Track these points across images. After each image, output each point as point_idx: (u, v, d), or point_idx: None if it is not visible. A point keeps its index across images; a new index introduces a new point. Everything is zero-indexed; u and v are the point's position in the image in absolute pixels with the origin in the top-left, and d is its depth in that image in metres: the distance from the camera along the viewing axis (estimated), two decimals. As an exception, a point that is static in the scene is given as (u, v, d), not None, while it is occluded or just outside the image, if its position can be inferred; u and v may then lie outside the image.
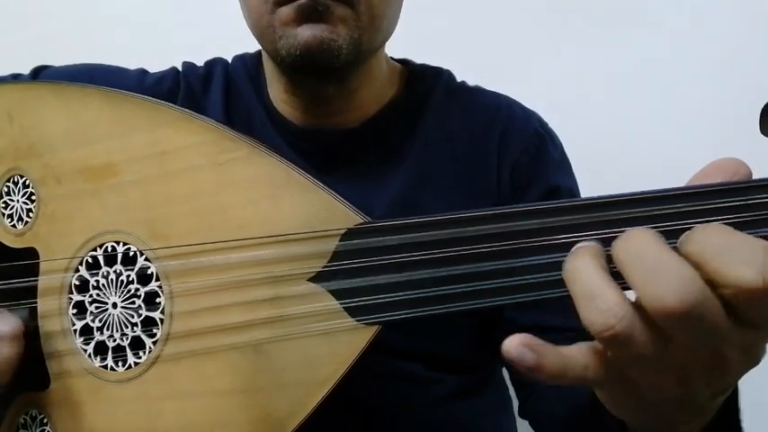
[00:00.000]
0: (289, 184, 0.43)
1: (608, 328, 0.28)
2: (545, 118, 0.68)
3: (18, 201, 0.49)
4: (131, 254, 0.45)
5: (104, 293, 0.46)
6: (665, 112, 0.92)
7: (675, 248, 0.29)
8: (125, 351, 0.45)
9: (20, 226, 0.49)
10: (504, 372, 0.69)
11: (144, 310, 0.45)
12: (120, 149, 0.47)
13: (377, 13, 0.55)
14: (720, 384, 0.32)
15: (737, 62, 0.90)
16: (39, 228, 0.48)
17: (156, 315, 0.44)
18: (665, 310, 0.27)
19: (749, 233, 0.29)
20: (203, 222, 0.44)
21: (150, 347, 0.44)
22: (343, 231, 0.40)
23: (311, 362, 0.41)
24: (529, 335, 0.31)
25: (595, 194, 0.36)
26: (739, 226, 0.31)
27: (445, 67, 0.69)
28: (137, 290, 0.45)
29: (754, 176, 0.33)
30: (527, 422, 0.64)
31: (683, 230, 0.30)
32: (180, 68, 0.69)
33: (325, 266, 0.40)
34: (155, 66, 0.69)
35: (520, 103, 0.68)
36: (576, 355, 0.31)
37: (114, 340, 0.45)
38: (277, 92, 0.64)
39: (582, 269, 0.30)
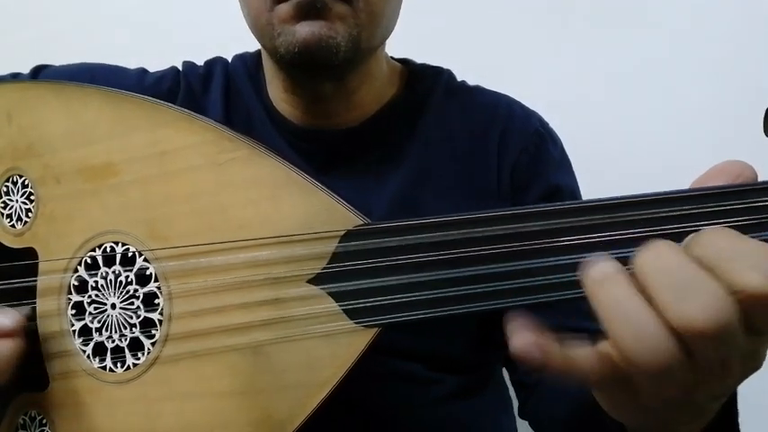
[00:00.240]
0: (288, 185, 0.43)
1: (653, 361, 0.28)
2: (545, 118, 0.68)
3: (17, 201, 0.49)
4: (130, 254, 0.45)
5: (103, 294, 0.46)
6: (665, 113, 0.92)
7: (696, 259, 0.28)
8: (124, 352, 0.45)
9: (19, 226, 0.49)
10: (505, 372, 0.69)
11: (143, 311, 0.44)
12: (120, 149, 0.47)
13: (376, 11, 0.55)
14: (722, 388, 0.32)
15: (737, 62, 0.89)
16: (38, 228, 0.48)
17: (155, 316, 0.44)
18: (694, 329, 0.27)
19: (753, 236, 0.29)
20: (203, 222, 0.44)
21: (149, 348, 0.44)
22: (342, 233, 0.40)
23: (312, 363, 0.41)
24: (538, 333, 0.30)
25: (595, 195, 0.36)
26: (743, 229, 0.30)
27: (445, 66, 0.69)
28: (135, 291, 0.45)
29: (759, 179, 0.33)
30: (527, 422, 0.64)
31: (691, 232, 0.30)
32: (180, 68, 0.69)
33: (325, 268, 0.40)
34: (155, 66, 0.69)
35: (520, 103, 0.68)
36: (582, 357, 0.31)
37: (113, 341, 0.45)
38: (277, 91, 0.64)
39: (621, 299, 0.29)
